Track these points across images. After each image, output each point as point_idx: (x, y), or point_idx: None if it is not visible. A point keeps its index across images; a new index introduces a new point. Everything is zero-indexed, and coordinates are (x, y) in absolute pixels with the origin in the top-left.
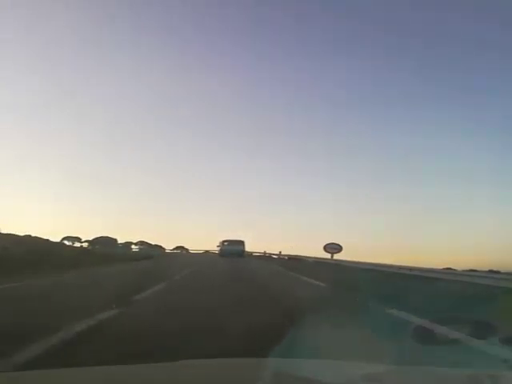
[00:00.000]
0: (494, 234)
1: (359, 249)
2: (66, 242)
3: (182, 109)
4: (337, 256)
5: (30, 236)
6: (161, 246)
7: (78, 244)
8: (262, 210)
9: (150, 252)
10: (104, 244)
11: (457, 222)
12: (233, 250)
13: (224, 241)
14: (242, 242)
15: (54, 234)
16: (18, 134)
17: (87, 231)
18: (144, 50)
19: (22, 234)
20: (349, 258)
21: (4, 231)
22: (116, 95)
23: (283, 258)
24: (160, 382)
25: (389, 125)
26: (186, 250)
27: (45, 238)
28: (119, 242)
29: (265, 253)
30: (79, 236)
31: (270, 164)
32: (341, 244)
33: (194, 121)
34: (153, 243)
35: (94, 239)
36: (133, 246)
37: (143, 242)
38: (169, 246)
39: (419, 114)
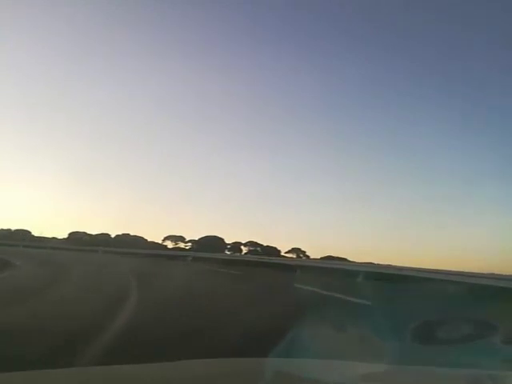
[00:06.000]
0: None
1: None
2: (169, 242)
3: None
4: None
5: (128, 235)
6: (275, 248)
7: (181, 244)
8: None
9: None
10: (209, 244)
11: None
12: None
13: None
14: None
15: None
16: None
17: (194, 230)
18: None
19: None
20: None
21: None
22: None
23: None
24: (160, 382)
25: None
26: (306, 256)
27: (146, 238)
28: (227, 242)
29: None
30: (183, 235)
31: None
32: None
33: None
34: (265, 244)
35: (199, 239)
36: (242, 247)
37: (253, 242)
38: (284, 247)
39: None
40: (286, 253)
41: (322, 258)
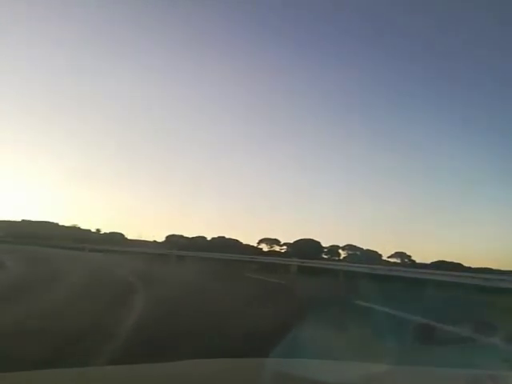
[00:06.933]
0: None
1: None
2: (264, 246)
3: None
4: None
5: (223, 238)
6: (376, 252)
7: (276, 247)
8: None
9: None
10: (304, 248)
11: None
12: None
13: None
14: None
15: (252, 237)
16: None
17: (289, 233)
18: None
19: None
20: None
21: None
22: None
23: None
24: (160, 382)
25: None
26: (411, 261)
27: (241, 241)
28: (323, 245)
29: None
30: (278, 238)
31: None
32: None
33: None
34: (364, 248)
35: (294, 242)
36: (340, 251)
37: (352, 246)
38: (386, 251)
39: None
40: (388, 257)
41: (432, 264)
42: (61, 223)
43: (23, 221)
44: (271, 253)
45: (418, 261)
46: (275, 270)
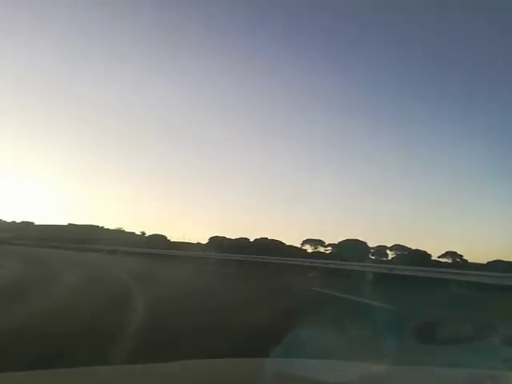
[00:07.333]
0: None
1: None
2: (308, 247)
3: None
4: None
5: (266, 239)
6: (425, 252)
7: (321, 249)
8: None
9: None
10: (350, 249)
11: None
12: None
13: None
14: None
15: (296, 238)
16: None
17: (334, 234)
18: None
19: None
20: None
21: None
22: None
23: None
24: (160, 382)
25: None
26: (463, 260)
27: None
28: (370, 245)
29: None
30: (322, 239)
31: None
32: None
33: None
34: (413, 248)
35: (339, 243)
36: (388, 252)
37: (400, 246)
38: (436, 251)
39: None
40: (438, 257)
41: (488, 263)
42: (106, 226)
43: (70, 225)
44: (316, 254)
45: (469, 260)
46: (340, 277)
